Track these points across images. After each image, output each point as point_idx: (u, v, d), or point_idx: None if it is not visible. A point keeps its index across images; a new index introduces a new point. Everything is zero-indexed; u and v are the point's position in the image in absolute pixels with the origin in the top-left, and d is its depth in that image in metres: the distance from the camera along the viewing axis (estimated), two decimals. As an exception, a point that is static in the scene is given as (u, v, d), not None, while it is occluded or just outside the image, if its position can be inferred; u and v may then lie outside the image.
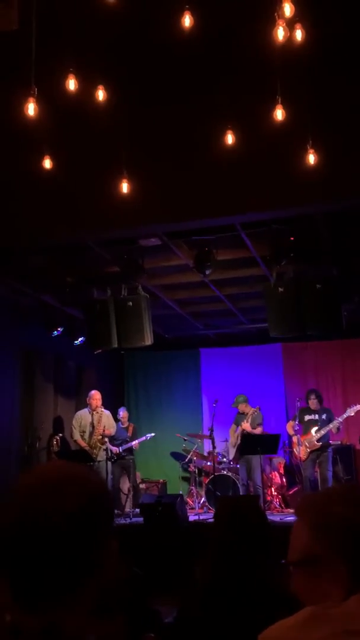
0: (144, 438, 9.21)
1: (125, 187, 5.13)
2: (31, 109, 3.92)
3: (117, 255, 6.97)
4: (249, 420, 8.74)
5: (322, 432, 8.33)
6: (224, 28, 4.94)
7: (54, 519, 0.98)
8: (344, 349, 10.43)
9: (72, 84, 4.13)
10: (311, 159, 4.72)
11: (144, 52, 5.24)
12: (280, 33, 3.23)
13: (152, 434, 9.38)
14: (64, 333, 8.49)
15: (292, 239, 6.45)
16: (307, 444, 8.37)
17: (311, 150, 4.71)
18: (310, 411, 8.57)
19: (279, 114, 4.32)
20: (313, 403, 8.56)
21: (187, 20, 3.41)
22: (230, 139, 4.74)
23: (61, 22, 4.72)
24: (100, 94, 4.52)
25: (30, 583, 0.97)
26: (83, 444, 8.35)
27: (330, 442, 8.66)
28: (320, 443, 8.34)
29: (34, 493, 1.01)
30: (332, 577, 1.25)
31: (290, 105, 4.42)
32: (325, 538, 1.27)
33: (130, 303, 7.44)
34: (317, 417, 8.49)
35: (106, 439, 8.39)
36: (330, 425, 8.32)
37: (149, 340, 7.46)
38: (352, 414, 8.37)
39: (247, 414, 8.87)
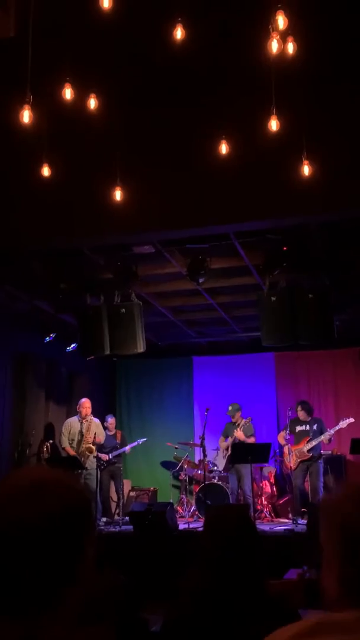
0: (135, 443, 9.21)
1: (119, 194, 5.15)
2: (26, 116, 3.94)
3: (111, 262, 6.98)
4: (242, 428, 8.74)
5: (314, 442, 8.35)
6: (219, 38, 4.98)
7: (29, 525, 0.95)
8: (336, 359, 10.45)
9: (68, 93, 4.15)
10: (306, 170, 4.75)
11: (140, 61, 5.28)
12: (274, 46, 3.26)
13: (144, 439, 9.39)
14: (56, 339, 8.48)
15: (285, 248, 6.48)
16: (297, 454, 8.38)
17: (306, 162, 4.75)
18: (301, 422, 8.58)
19: (274, 124, 4.35)
20: (301, 414, 8.57)
21: (179, 33, 3.44)
22: (224, 148, 4.77)
23: (57, 29, 4.74)
24: (96, 102, 4.54)
25: (6, 592, 0.94)
26: (71, 452, 8.31)
27: (322, 452, 8.67)
28: (311, 454, 8.35)
29: (9, 499, 0.98)
30: (332, 577, 1.25)
31: (285, 116, 4.45)
32: (330, 538, 1.28)
33: (124, 310, 7.43)
34: (308, 427, 8.50)
35: (94, 448, 8.35)
36: (322, 437, 8.34)
37: (141, 348, 7.46)
38: (345, 427, 8.38)
39: (240, 423, 8.88)
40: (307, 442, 8.36)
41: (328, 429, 8.45)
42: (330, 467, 9.04)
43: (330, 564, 1.26)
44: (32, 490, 0.99)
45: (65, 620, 0.96)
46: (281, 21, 3.17)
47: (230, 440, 8.83)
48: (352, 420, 8.34)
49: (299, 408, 8.61)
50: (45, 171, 4.90)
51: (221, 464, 9.07)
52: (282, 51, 3.53)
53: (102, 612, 1.50)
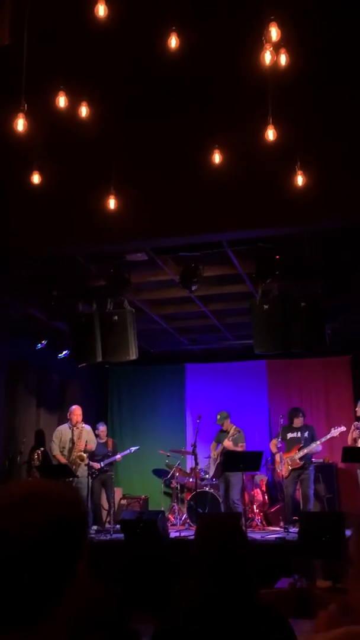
0: (127, 451, 9.19)
1: (113, 202, 5.16)
2: (20, 124, 3.94)
3: (103, 269, 6.99)
4: (231, 438, 8.72)
5: (306, 450, 8.36)
6: (215, 48, 5.02)
7: (20, 537, 0.94)
8: (327, 367, 10.49)
9: (62, 101, 4.17)
10: (299, 180, 4.78)
11: (134, 70, 5.30)
12: (267, 57, 3.29)
13: (136, 447, 9.36)
14: (48, 346, 8.45)
15: (277, 257, 6.51)
16: (289, 461, 8.38)
17: (300, 172, 4.78)
18: (292, 429, 8.59)
19: (271, 134, 4.38)
20: (298, 421, 8.57)
21: (173, 41, 3.46)
22: (217, 157, 4.79)
23: (52, 38, 4.76)
24: (91, 111, 4.56)
25: None
26: (62, 459, 8.27)
27: (313, 460, 8.68)
28: (303, 462, 8.36)
29: (1, 510, 0.97)
30: (358, 586, 1.27)
31: (279, 126, 4.48)
32: (358, 547, 1.29)
33: (116, 317, 7.43)
34: (299, 434, 8.51)
35: (86, 455, 8.32)
36: (314, 445, 8.35)
37: (134, 355, 7.45)
38: (337, 435, 8.40)
39: (229, 431, 8.86)
40: (299, 449, 8.37)
41: (321, 437, 8.47)
42: (322, 476, 9.04)
43: (358, 576, 1.27)
44: (24, 502, 0.97)
45: (56, 632, 0.95)
46: (274, 33, 3.20)
47: (220, 447, 8.82)
48: (343, 428, 8.36)
49: (296, 415, 8.62)
50: (39, 179, 4.90)
51: (212, 469, 9.05)
52: (275, 62, 3.56)
53: (92, 623, 1.50)
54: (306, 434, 8.49)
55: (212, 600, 1.90)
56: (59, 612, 0.95)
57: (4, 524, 0.95)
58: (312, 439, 8.45)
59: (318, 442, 8.37)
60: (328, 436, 8.43)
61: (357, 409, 8.38)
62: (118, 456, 9.05)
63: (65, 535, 0.98)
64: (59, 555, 0.96)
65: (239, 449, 8.65)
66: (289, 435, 8.57)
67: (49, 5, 4.41)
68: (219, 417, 9.01)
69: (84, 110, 4.56)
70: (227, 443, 8.66)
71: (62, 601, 0.95)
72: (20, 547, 0.93)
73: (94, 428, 9.03)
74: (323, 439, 8.40)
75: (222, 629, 1.86)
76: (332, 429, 8.46)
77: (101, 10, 3.56)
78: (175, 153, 5.52)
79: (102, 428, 9.33)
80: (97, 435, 8.99)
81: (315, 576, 5.14)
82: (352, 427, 8.26)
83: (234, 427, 8.87)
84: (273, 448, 8.78)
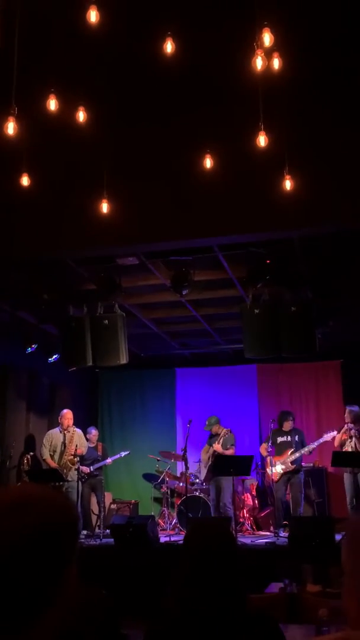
0: (117, 456, 9.16)
1: (105, 206, 5.16)
2: (11, 127, 3.94)
3: (94, 273, 6.97)
4: (220, 441, 8.71)
5: (297, 454, 8.38)
6: (206, 54, 5.04)
7: (9, 544, 0.93)
8: (318, 371, 10.53)
9: (52, 104, 4.16)
10: (287, 184, 4.80)
11: (126, 75, 5.31)
12: (258, 62, 3.31)
13: (127, 452, 9.33)
14: (38, 350, 8.41)
15: (268, 261, 6.53)
16: (281, 465, 8.40)
17: (287, 176, 4.80)
18: (282, 433, 8.61)
19: (262, 140, 4.39)
20: (288, 424, 8.61)
21: (169, 46, 3.47)
22: (208, 162, 4.81)
23: (44, 42, 4.76)
24: (82, 115, 4.56)
25: None
26: (52, 463, 8.23)
27: (303, 464, 8.70)
28: (294, 465, 8.39)
29: None
30: (350, 594, 1.28)
31: (270, 132, 4.50)
32: (350, 555, 1.31)
33: (106, 321, 7.41)
34: (289, 438, 8.54)
35: (77, 459, 8.29)
36: (306, 449, 8.38)
37: (124, 359, 7.43)
38: (329, 439, 8.43)
39: (219, 435, 8.86)
40: (291, 453, 8.39)
41: (310, 441, 8.50)
42: (312, 480, 9.06)
43: (351, 584, 1.29)
44: (14, 508, 0.96)
45: (45, 639, 0.94)
46: (267, 38, 3.22)
47: (211, 450, 8.81)
48: (335, 433, 8.39)
49: (286, 418, 8.65)
50: (31, 182, 4.89)
51: (203, 473, 9.04)
52: (267, 68, 3.58)
53: (82, 628, 1.49)
54: (296, 438, 8.53)
55: (202, 605, 1.89)
56: (48, 619, 0.94)
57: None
58: (302, 443, 8.48)
59: (312, 446, 8.39)
60: (320, 440, 8.46)
61: (345, 415, 8.40)
62: (109, 460, 9.02)
63: (56, 542, 0.97)
64: (48, 562, 0.95)
65: (228, 452, 8.64)
66: (279, 439, 8.59)
67: (40, 10, 4.41)
68: (207, 423, 8.99)
69: (75, 115, 4.56)
70: (217, 446, 8.65)
71: (51, 609, 0.94)
72: (10, 554, 0.92)
73: (85, 432, 8.99)
74: (316, 443, 8.43)
75: (212, 634, 1.85)
76: (325, 434, 8.49)
77: (93, 17, 3.57)
78: (166, 158, 5.53)
79: (93, 432, 9.30)
80: (88, 440, 8.96)
81: (306, 580, 5.14)
82: (344, 429, 8.27)
83: (224, 429, 8.87)
84: (263, 452, 8.79)
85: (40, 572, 0.94)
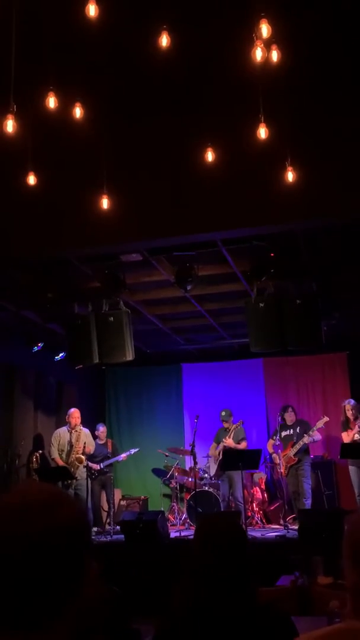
0: (127, 453, 9.18)
1: (106, 203, 5.15)
2: (10, 125, 3.92)
3: (98, 270, 6.97)
4: (232, 435, 8.73)
5: (297, 446, 8.42)
6: (206, 47, 5.01)
7: (36, 540, 0.95)
8: (324, 364, 10.52)
9: (52, 102, 4.15)
10: (290, 176, 4.78)
11: (125, 70, 5.29)
12: (258, 53, 3.29)
13: (137, 449, 9.37)
14: (44, 348, 8.43)
15: (272, 255, 6.51)
16: (285, 460, 8.44)
17: (290, 168, 4.78)
18: (286, 427, 8.72)
19: (262, 132, 4.37)
20: (290, 417, 8.68)
21: (164, 40, 3.45)
22: (210, 156, 4.79)
23: (42, 39, 4.75)
24: (82, 111, 4.54)
25: (7, 607, 0.94)
26: (61, 462, 8.26)
27: (311, 456, 8.73)
28: (298, 457, 8.42)
29: (17, 514, 0.98)
30: (348, 587, 1.34)
31: (270, 124, 4.48)
32: (347, 552, 1.38)
33: (112, 318, 7.41)
34: (291, 431, 8.64)
35: (84, 458, 8.30)
36: (305, 439, 8.41)
37: (130, 356, 7.44)
38: (322, 426, 8.53)
39: (230, 429, 8.87)
40: (292, 446, 8.45)
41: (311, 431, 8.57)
42: (321, 472, 9.06)
43: (349, 575, 1.35)
44: (41, 506, 0.99)
45: (63, 635, 0.96)
46: (265, 29, 3.20)
47: (220, 446, 8.81)
48: (327, 419, 8.51)
49: (285, 411, 8.75)
50: (31, 180, 4.88)
51: (213, 469, 9.05)
52: (267, 59, 3.55)
53: (94, 624, 1.49)
54: (298, 429, 8.57)
55: (213, 599, 1.89)
56: (65, 617, 0.97)
57: (13, 530, 0.96)
58: (302, 433, 8.51)
59: (309, 434, 8.41)
60: (314, 428, 8.49)
61: (349, 412, 8.38)
62: (123, 455, 9.07)
63: (81, 538, 1.01)
64: (67, 558, 0.98)
65: (241, 446, 8.66)
66: (284, 433, 8.68)
67: (37, 5, 4.39)
68: (223, 413, 8.99)
69: (75, 111, 4.54)
70: (228, 441, 8.67)
71: (68, 607, 0.97)
72: (45, 550, 0.95)
73: (94, 429, 9.01)
74: (310, 432, 8.47)
75: (224, 628, 1.85)
76: (318, 421, 8.57)
77: (92, 10, 3.54)
78: (167, 152, 5.51)
79: (102, 429, 9.33)
80: (96, 437, 8.98)
81: (316, 573, 5.14)
82: (356, 429, 8.23)
83: (234, 424, 8.89)
84: (270, 449, 8.86)
85: (59, 569, 0.97)
